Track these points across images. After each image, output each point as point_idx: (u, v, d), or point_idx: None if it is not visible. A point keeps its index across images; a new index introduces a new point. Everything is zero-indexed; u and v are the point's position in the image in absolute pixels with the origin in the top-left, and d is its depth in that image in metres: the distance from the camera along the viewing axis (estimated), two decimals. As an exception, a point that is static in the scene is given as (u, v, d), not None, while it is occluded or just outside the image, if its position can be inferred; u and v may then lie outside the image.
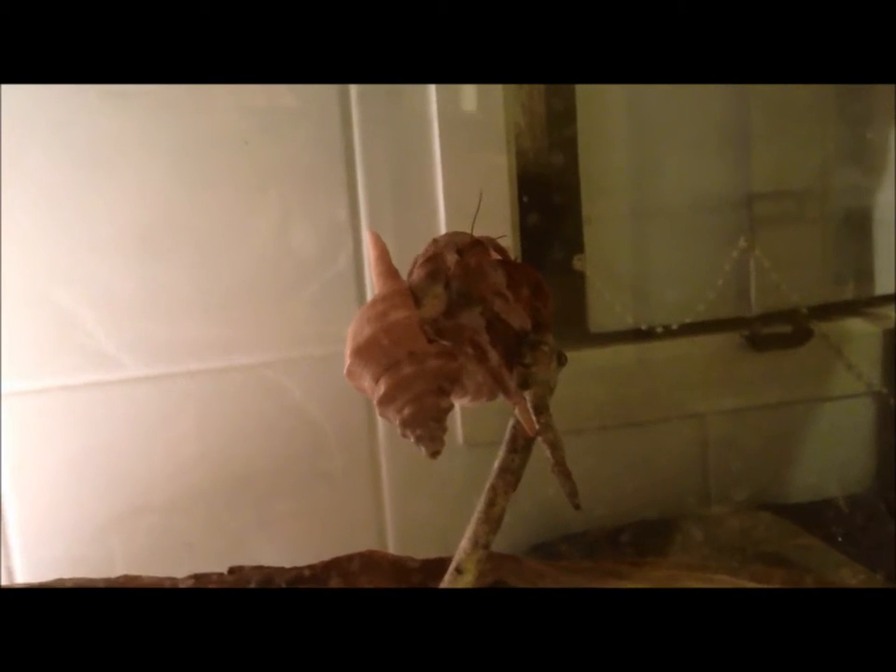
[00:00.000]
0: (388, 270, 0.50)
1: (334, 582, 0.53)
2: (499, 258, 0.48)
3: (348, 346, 0.47)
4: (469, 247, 0.47)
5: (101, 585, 0.53)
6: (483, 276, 0.46)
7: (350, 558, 0.55)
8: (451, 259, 0.46)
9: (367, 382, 0.47)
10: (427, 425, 0.46)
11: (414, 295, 0.46)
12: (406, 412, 0.46)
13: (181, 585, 0.53)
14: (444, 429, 0.47)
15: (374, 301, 0.48)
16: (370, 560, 0.55)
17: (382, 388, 0.46)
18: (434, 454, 0.46)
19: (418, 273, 0.47)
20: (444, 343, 0.46)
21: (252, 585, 0.52)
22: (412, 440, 0.46)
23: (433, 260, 0.46)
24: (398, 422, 0.46)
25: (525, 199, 0.74)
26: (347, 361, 0.47)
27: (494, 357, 0.46)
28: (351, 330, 0.47)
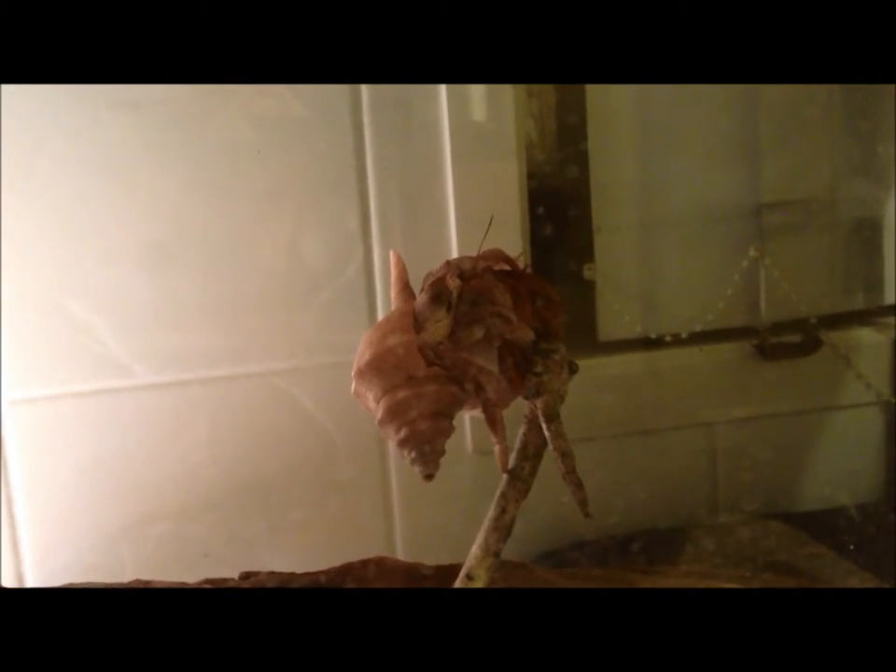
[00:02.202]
0: (403, 290, 0.50)
1: (350, 586, 0.53)
2: (508, 268, 0.49)
3: (353, 368, 0.48)
4: (472, 271, 0.47)
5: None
6: (485, 300, 0.47)
7: (364, 564, 0.55)
8: (453, 283, 0.46)
9: (370, 402, 0.48)
10: (421, 448, 0.46)
11: (417, 319, 0.47)
12: (402, 434, 0.46)
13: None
14: (440, 453, 0.47)
15: (378, 324, 0.48)
16: (384, 566, 0.55)
17: (380, 411, 0.47)
18: (427, 476, 0.46)
19: (421, 298, 0.47)
20: (443, 368, 0.46)
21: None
22: (407, 460, 0.47)
23: (436, 285, 0.47)
24: (395, 443, 0.47)
25: (536, 209, 0.74)
26: (353, 383, 0.48)
27: (492, 396, 0.47)
28: (357, 352, 0.48)
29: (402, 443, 0.46)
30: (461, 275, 0.46)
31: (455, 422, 0.49)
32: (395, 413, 0.46)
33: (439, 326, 0.46)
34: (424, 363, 0.46)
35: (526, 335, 0.47)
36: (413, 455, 0.46)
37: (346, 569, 0.55)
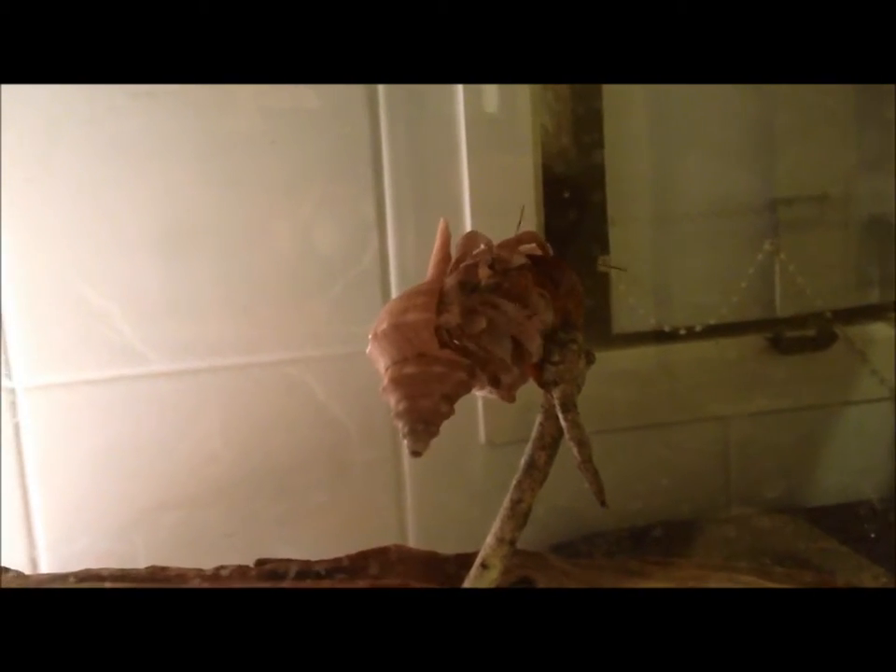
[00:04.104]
0: (442, 261, 0.50)
1: (373, 570, 0.53)
2: (540, 253, 0.49)
3: (371, 330, 0.49)
4: (507, 264, 0.48)
5: (130, 575, 0.53)
6: (503, 307, 0.47)
7: (384, 550, 0.56)
8: (483, 273, 0.47)
9: (380, 367, 0.49)
10: (415, 425, 0.46)
11: (442, 299, 0.47)
12: (401, 406, 0.47)
13: (221, 574, 0.53)
14: (433, 434, 0.47)
15: (405, 295, 0.49)
16: (401, 552, 0.55)
17: (386, 379, 0.47)
18: (415, 453, 0.47)
19: (450, 281, 0.47)
20: (458, 352, 0.46)
21: (292, 574, 0.52)
22: (399, 432, 0.47)
23: (468, 271, 0.47)
24: (392, 412, 0.47)
25: (550, 201, 0.74)
26: (369, 343, 0.49)
27: (508, 389, 0.48)
28: (379, 315, 0.48)
29: (399, 415, 0.47)
30: (492, 265, 0.46)
31: (461, 409, 0.49)
32: (398, 385, 0.47)
33: (461, 310, 0.46)
34: (436, 343, 0.46)
35: (534, 344, 0.47)
36: (407, 429, 0.46)
37: (370, 553, 0.56)
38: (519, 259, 0.48)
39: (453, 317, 0.46)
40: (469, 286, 0.46)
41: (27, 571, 0.68)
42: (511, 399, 0.48)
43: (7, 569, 0.60)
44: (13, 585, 0.56)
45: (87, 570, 0.56)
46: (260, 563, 0.55)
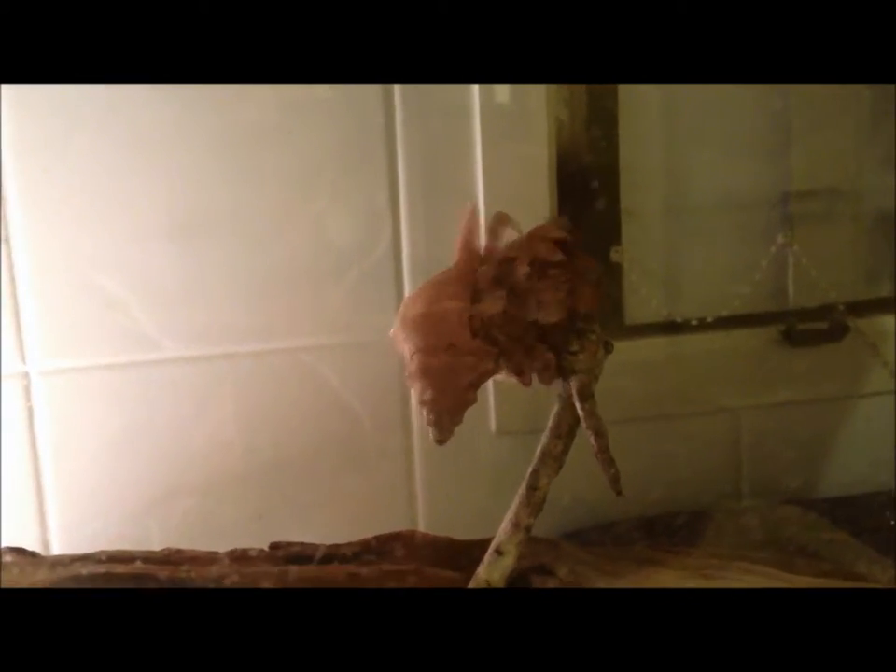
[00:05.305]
0: (469, 245, 0.50)
1: (398, 553, 0.54)
2: (568, 237, 0.49)
3: (399, 311, 0.49)
4: (542, 261, 0.48)
5: (159, 557, 0.54)
6: (530, 306, 0.47)
7: (411, 533, 0.56)
8: (521, 270, 0.47)
9: (406, 350, 0.49)
10: (440, 415, 0.47)
11: (476, 288, 0.47)
12: (427, 395, 0.47)
13: (251, 556, 0.54)
14: (457, 423, 0.48)
15: (438, 281, 0.48)
16: (426, 536, 0.56)
17: (413, 365, 0.48)
18: (439, 441, 0.47)
19: (486, 272, 0.47)
20: (489, 342, 0.47)
21: (319, 556, 0.53)
22: (424, 419, 0.48)
23: (505, 264, 0.47)
24: (418, 400, 0.48)
25: (564, 192, 0.74)
26: (395, 324, 0.49)
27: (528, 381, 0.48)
28: (409, 297, 0.48)
29: (424, 404, 0.47)
30: (532, 263, 0.47)
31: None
32: (426, 374, 0.47)
33: (496, 302, 0.46)
34: (468, 333, 0.46)
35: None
36: (433, 418, 0.47)
37: (392, 538, 0.56)
38: (557, 256, 0.48)
39: (486, 307, 0.46)
40: (506, 282, 0.47)
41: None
42: (528, 383, 0.48)
43: (26, 550, 0.60)
44: (41, 568, 0.56)
45: (118, 550, 0.56)
46: (274, 547, 0.55)
